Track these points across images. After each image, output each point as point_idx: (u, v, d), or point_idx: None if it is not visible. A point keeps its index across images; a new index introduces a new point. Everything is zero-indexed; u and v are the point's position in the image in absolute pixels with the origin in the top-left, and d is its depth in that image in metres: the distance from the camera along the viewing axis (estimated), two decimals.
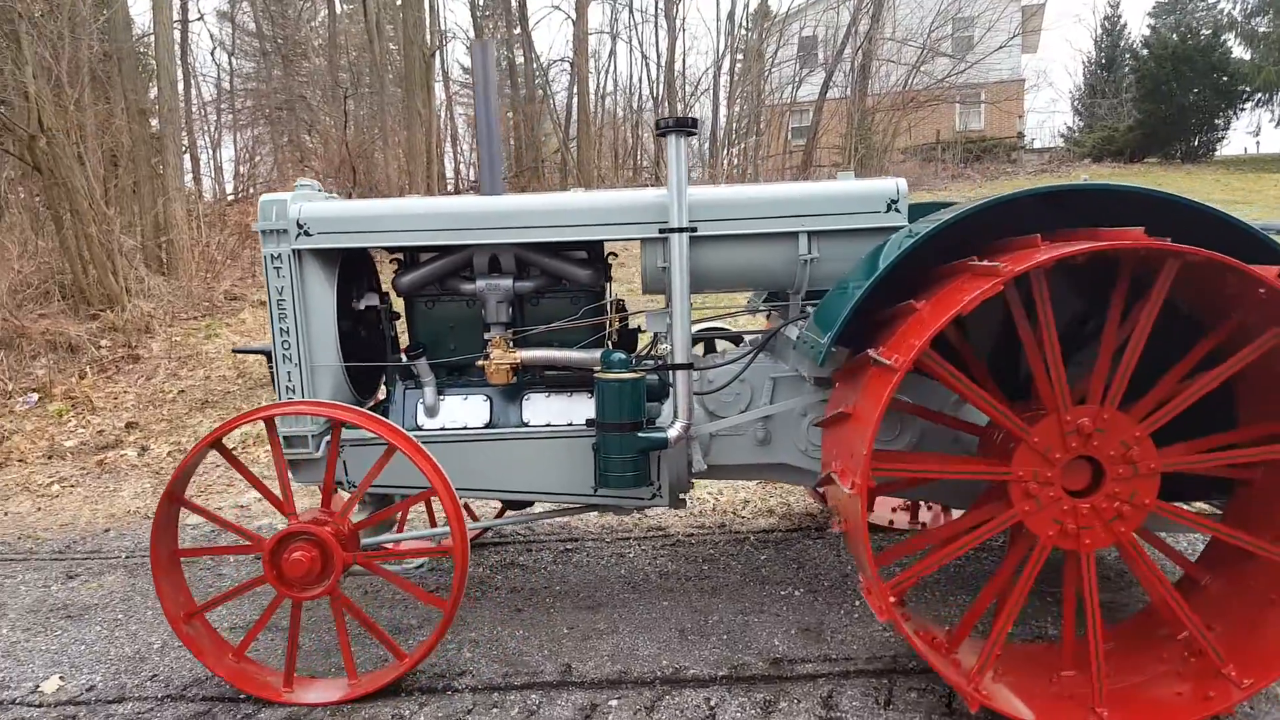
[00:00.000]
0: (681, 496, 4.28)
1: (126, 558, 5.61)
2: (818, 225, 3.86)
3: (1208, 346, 3.12)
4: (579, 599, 4.57)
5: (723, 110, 26.87)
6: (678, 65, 26.13)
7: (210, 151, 24.46)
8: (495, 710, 3.55)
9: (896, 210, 3.86)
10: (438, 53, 21.12)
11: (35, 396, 9.42)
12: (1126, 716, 3.10)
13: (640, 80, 32.29)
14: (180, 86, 18.76)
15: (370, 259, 4.64)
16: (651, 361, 4.27)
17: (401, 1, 19.83)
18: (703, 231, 3.87)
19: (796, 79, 26.97)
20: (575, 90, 23.49)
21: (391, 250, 4.40)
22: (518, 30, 25.90)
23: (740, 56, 27.07)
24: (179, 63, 18.24)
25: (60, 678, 4.01)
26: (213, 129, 24.75)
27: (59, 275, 11.63)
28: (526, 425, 4.17)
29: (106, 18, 13.39)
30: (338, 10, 26.19)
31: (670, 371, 3.94)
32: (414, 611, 4.52)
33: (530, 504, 4.69)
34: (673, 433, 3.88)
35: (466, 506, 5.64)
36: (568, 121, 25.01)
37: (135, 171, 14.23)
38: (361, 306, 4.42)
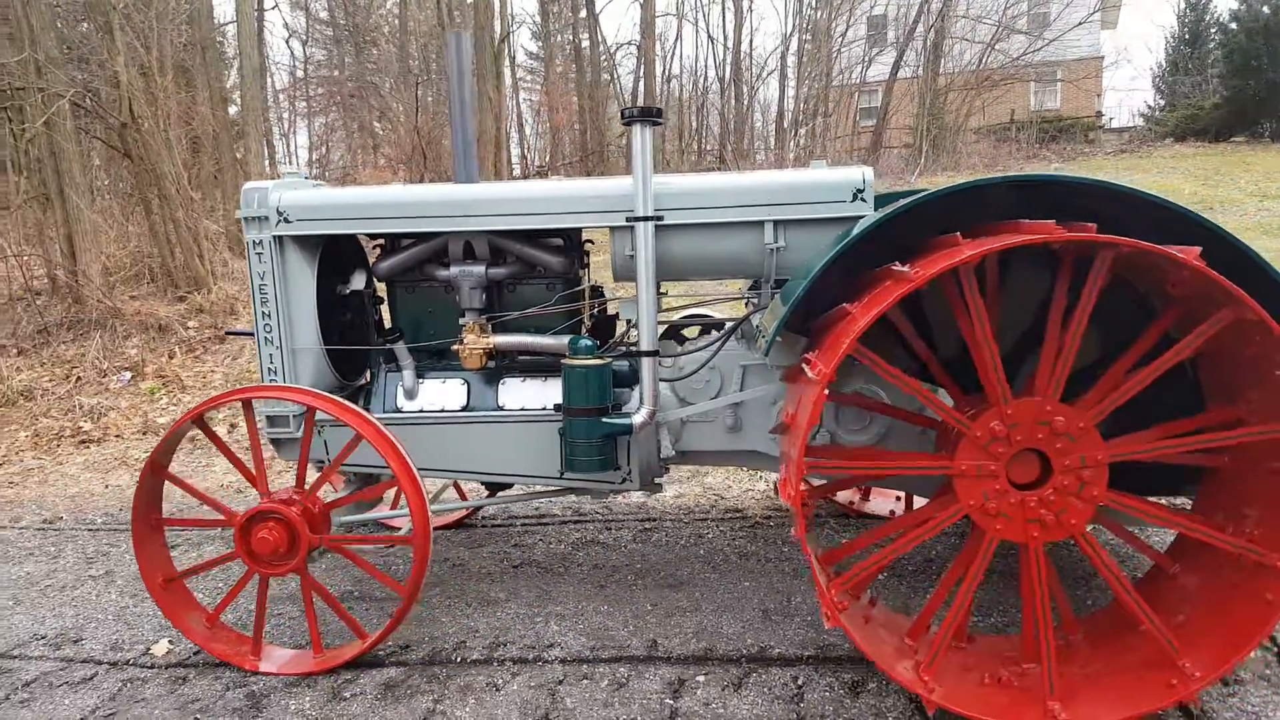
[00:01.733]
0: (656, 481, 4.34)
1: (221, 531, 5.85)
2: (783, 215, 3.84)
3: (1153, 337, 3.06)
4: (660, 577, 4.63)
5: (789, 91, 26.60)
6: (744, 47, 25.94)
7: (286, 138, 25.07)
8: (585, 681, 3.63)
9: (862, 200, 3.82)
10: (506, 39, 21.29)
11: (129, 375, 9.82)
12: (1087, 707, 3.06)
13: (706, 62, 32.12)
14: (258, 74, 19.24)
15: (359, 245, 4.71)
16: (621, 349, 4.31)
17: None
18: (669, 220, 3.89)
19: (866, 59, 26.53)
20: (641, 73, 23.47)
21: (372, 237, 4.49)
22: (584, 14, 25.94)
23: (808, 37, 26.73)
24: (256, 51, 18.69)
25: (169, 641, 4.21)
26: (288, 116, 25.36)
27: (148, 259, 12.09)
28: (502, 409, 4.27)
29: (191, 8, 13.79)
30: None
31: (636, 358, 3.98)
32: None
33: (510, 485, 4.78)
34: (637, 419, 3.94)
35: (456, 486, 5.76)
36: (633, 104, 25.01)
37: (218, 157, 14.68)
38: (346, 291, 4.51)
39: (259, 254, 4.20)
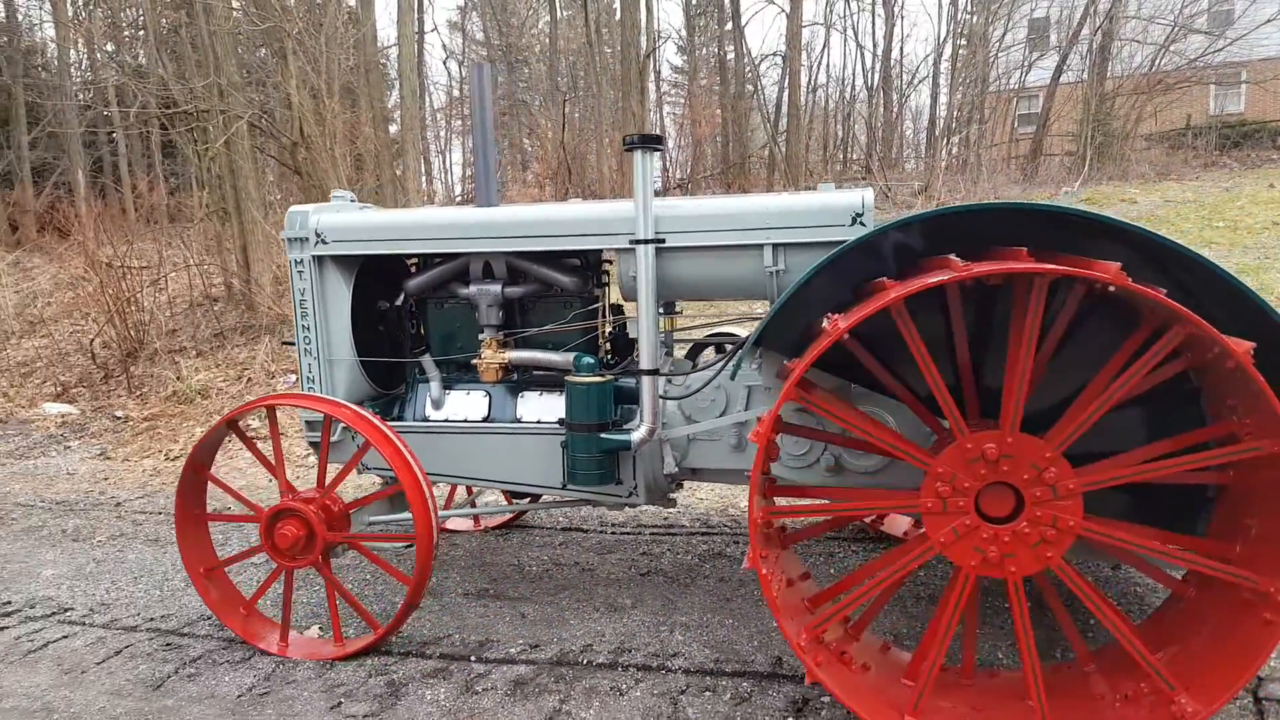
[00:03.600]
0: (670, 496, 4.39)
1: (369, 524, 6.15)
2: (782, 238, 3.84)
3: (1119, 364, 2.91)
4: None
5: (942, 98, 25.76)
6: (894, 53, 25.32)
7: (441, 155, 26.27)
8: (708, 694, 3.61)
9: (862, 223, 3.74)
10: (652, 54, 21.58)
11: (293, 377, 10.50)
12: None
13: (854, 71, 31.53)
14: (416, 95, 20.24)
15: (403, 262, 4.91)
16: (626, 367, 4.40)
17: (620, 3, 20.41)
18: (671, 243, 3.97)
19: (1025, 63, 25.37)
20: (786, 84, 23.27)
21: (406, 256, 4.74)
22: (730, 27, 25.97)
23: (963, 42, 25.80)
24: (415, 72, 19.67)
25: (319, 628, 4.46)
26: (443, 134, 26.55)
27: None
28: (519, 421, 4.45)
29: (358, 33, 14.67)
30: (558, 15, 27.34)
31: (637, 377, 4.07)
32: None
33: (535, 496, 4.89)
34: (636, 436, 4.02)
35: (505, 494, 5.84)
36: (776, 116, 24.82)
37: (379, 174, 15.51)
38: (385, 307, 4.79)
39: (300, 272, 4.55)
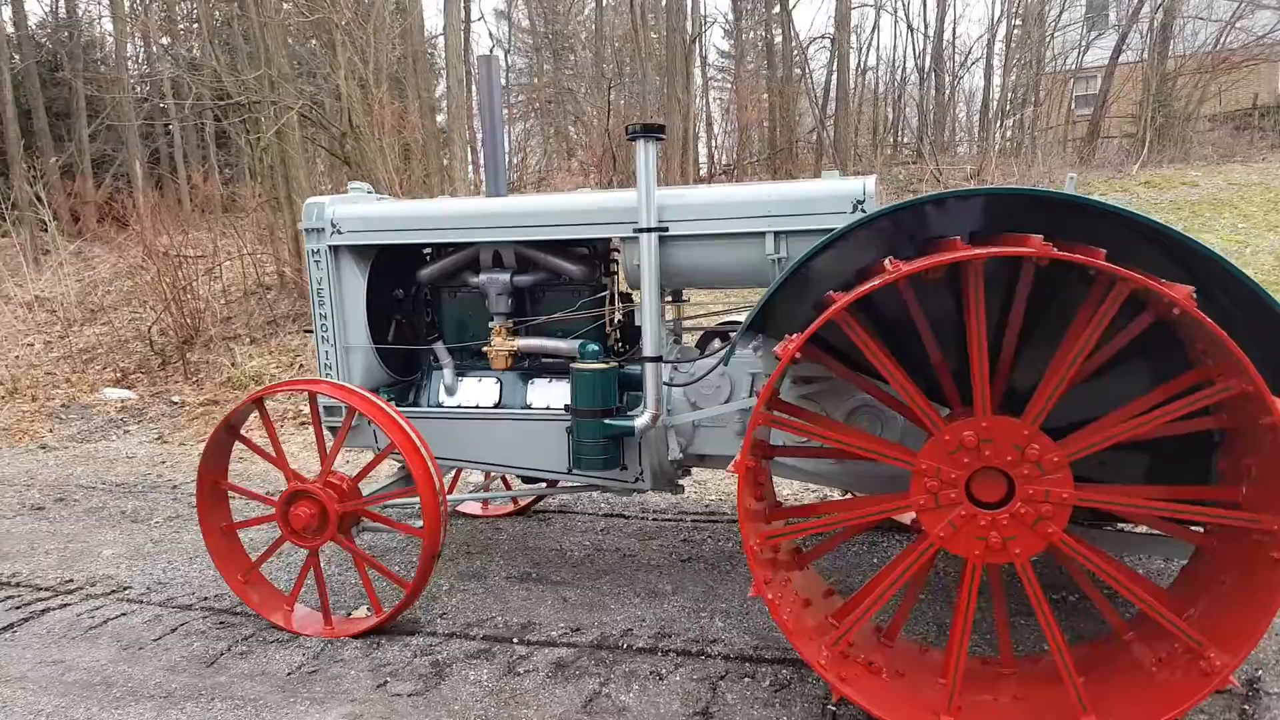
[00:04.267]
0: (679, 482, 4.42)
1: (417, 511, 6.25)
2: (784, 226, 3.84)
3: (1079, 332, 2.87)
4: (831, 583, 4.53)
5: (996, 80, 25.21)
6: (946, 34, 24.84)
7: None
8: (747, 680, 3.61)
9: (863, 210, 3.70)
10: (698, 39, 21.43)
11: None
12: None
13: (905, 53, 31.00)
14: (463, 84, 20.37)
15: (419, 252, 4.95)
16: (629, 354, 4.43)
17: None
18: (674, 231, 4.00)
19: (1083, 43, 24.72)
20: (835, 67, 22.96)
21: (423, 246, 4.83)
22: (777, 10, 25.69)
23: (1018, 21, 25.20)
24: (463, 61, 19.80)
25: (367, 609, 4.54)
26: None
27: None
28: (529, 408, 4.53)
29: (406, 23, 14.79)
30: (604, 2, 27.27)
31: (641, 363, 4.09)
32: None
33: (549, 481, 4.96)
34: (639, 422, 4.05)
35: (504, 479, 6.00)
36: (825, 100, 24.53)
37: (426, 164, 15.66)
38: (401, 295, 4.88)
39: (316, 261, 4.64)
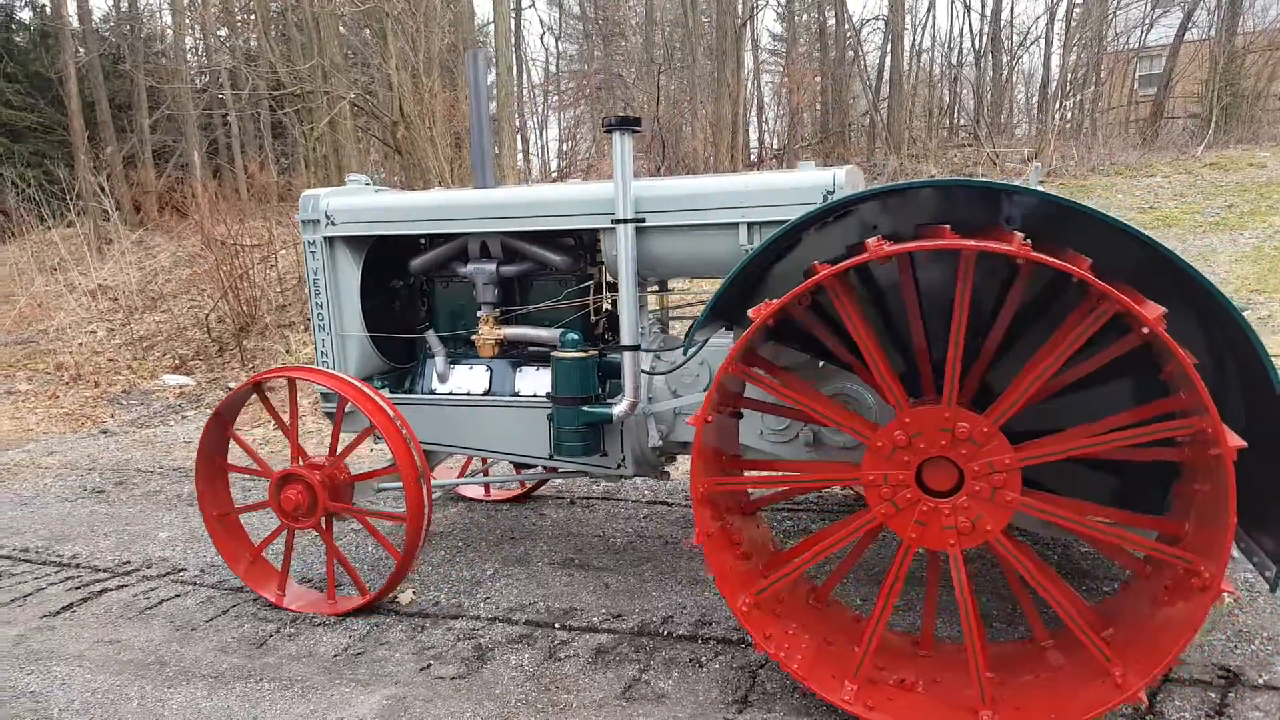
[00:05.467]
0: (663, 470, 4.46)
1: (459, 498, 6.32)
2: (756, 216, 3.86)
3: (1061, 341, 2.86)
4: (875, 571, 4.47)
5: (1055, 60, 24.54)
6: (1004, 14, 24.22)
7: (538, 132, 26.49)
8: None
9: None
10: (749, 22, 21.19)
11: None
12: (1026, 714, 2.99)
13: (961, 33, 30.24)
14: (514, 71, 20.43)
15: (417, 242, 4.99)
16: (609, 343, 4.51)
17: None
18: (651, 222, 4.04)
19: (1146, 21, 23.93)
20: (889, 49, 22.55)
21: (420, 236, 4.87)
22: None
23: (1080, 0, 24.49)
24: (513, 49, 19.85)
25: (413, 592, 4.60)
26: (540, 110, 26.75)
27: None
28: (518, 395, 4.61)
29: (456, 11, 14.86)
30: None
31: (620, 352, 4.15)
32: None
33: (529, 466, 5.07)
34: (617, 410, 4.11)
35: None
36: (879, 82, 24.11)
37: None
38: (398, 285, 4.98)
39: (312, 252, 4.74)
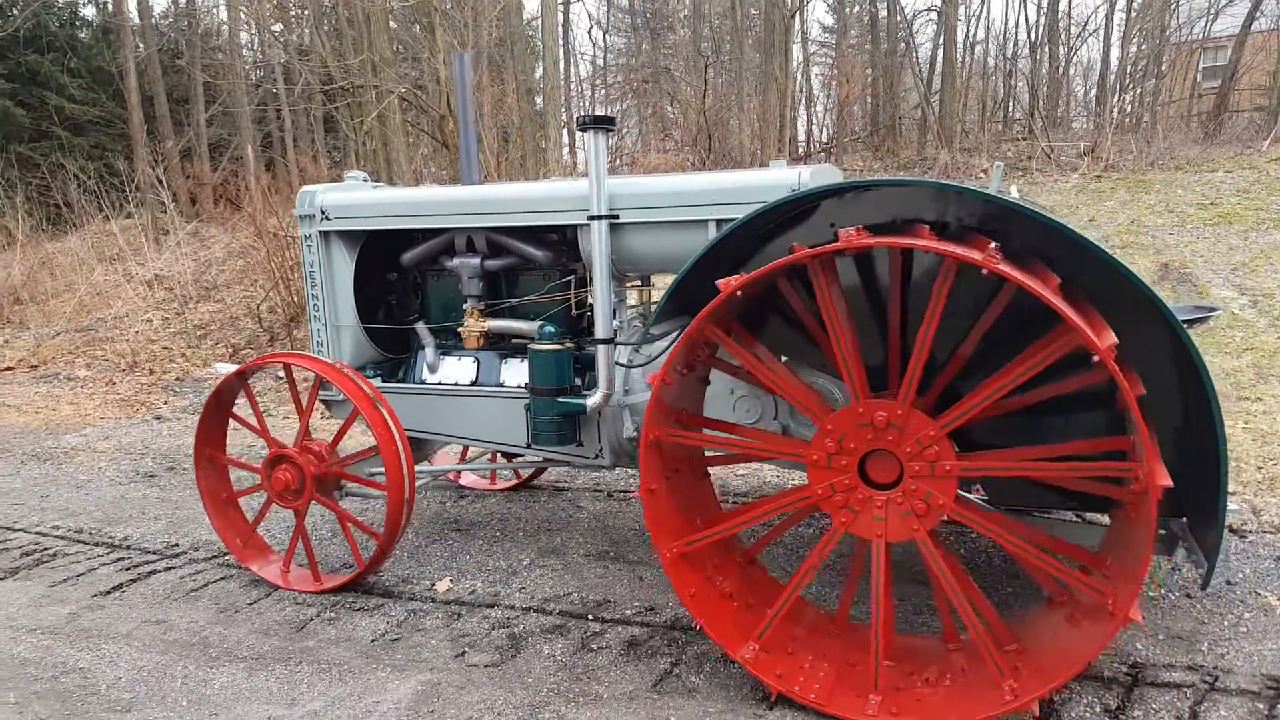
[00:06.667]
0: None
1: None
2: (724, 214, 3.89)
3: (1028, 360, 2.92)
4: (915, 570, 4.39)
5: (1114, 52, 23.92)
6: (1062, 4, 23.66)
7: None
8: None
9: None
10: (797, 14, 20.99)
11: None
12: (907, 704, 3.11)
13: (1016, 24, 29.71)
14: (561, 66, 20.49)
15: (413, 236, 5.07)
16: (585, 336, 4.60)
17: None
18: (625, 219, 4.13)
19: (1212, 10, 23.22)
20: (941, 40, 22.18)
21: (410, 231, 4.96)
22: None
23: None
24: (560, 43, 19.91)
25: (450, 580, 4.65)
26: (587, 104, 26.79)
27: None
28: (503, 385, 4.71)
29: (503, 4, 14.94)
30: None
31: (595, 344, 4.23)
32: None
33: (511, 455, 5.24)
34: (591, 401, 4.21)
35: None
36: (930, 74, 23.74)
37: (522, 146, 15.84)
38: (394, 278, 5.11)
39: (309, 246, 4.89)
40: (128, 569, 5.09)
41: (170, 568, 5.08)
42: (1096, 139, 16.34)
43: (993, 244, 2.74)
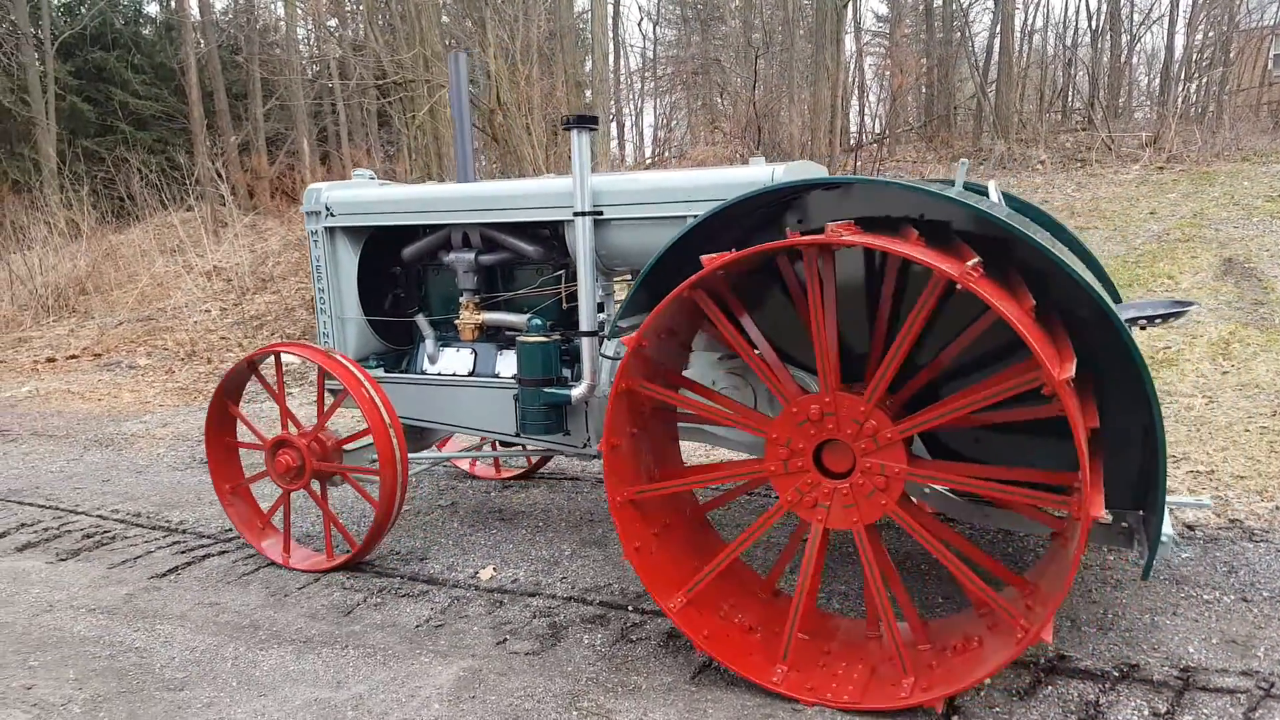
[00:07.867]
0: None
1: (545, 476, 6.42)
2: (704, 210, 3.83)
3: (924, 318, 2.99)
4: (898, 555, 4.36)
5: (1179, 39, 23.21)
6: None
7: (634, 118, 26.53)
8: None
9: None
10: (850, 3, 20.72)
11: None
12: (828, 679, 3.27)
13: (1077, 12, 29.00)
14: (610, 58, 20.50)
15: (417, 231, 5.17)
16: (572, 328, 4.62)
17: None
18: (609, 215, 4.25)
19: None
20: (998, 29, 21.73)
21: (411, 227, 5.10)
22: None
23: None
24: (610, 35, 19.92)
25: (493, 568, 4.71)
26: (637, 96, 26.79)
27: None
28: (498, 376, 4.83)
29: None
30: None
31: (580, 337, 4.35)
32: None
33: (503, 444, 5.43)
34: (575, 392, 4.34)
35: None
36: (987, 64, 23.27)
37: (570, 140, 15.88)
38: (398, 271, 5.28)
39: (315, 241, 5.05)
40: (183, 552, 5.24)
41: (224, 552, 5.22)
42: (1159, 129, 15.90)
43: (974, 259, 2.75)
